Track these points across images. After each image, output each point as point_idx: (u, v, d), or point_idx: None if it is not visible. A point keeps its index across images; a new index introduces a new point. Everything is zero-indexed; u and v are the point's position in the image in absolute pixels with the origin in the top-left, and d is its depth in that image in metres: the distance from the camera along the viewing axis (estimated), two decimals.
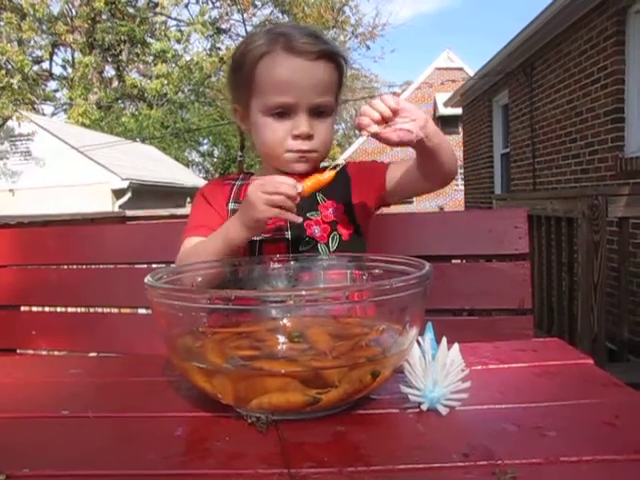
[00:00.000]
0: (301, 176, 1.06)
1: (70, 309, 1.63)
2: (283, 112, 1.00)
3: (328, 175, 0.89)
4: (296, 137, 1.01)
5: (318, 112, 1.02)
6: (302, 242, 1.03)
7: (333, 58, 1.03)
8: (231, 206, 1.06)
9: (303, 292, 0.63)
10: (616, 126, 4.62)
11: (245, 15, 17.52)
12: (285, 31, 1.01)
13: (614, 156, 4.62)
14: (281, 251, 1.01)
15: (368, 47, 18.81)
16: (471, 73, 12.78)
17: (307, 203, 1.04)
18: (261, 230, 0.91)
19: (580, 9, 4.99)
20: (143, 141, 18.22)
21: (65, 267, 1.56)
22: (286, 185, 0.83)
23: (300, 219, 0.86)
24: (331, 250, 1.03)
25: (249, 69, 1.02)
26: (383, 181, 1.08)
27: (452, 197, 19.99)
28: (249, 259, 0.95)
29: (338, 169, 0.91)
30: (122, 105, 19.91)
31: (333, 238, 1.04)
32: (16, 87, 13.95)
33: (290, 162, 1.04)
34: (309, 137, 1.01)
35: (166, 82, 17.17)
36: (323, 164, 1.16)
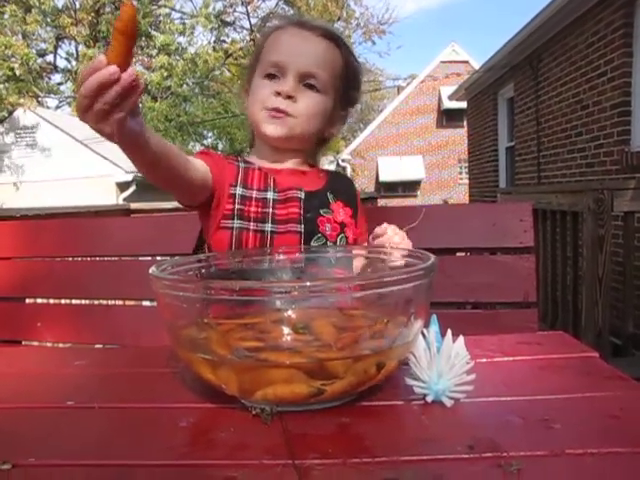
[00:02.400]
0: (305, 174, 1.08)
1: (75, 301, 1.64)
2: (275, 75, 1.02)
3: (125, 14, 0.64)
4: (277, 94, 1.01)
5: (309, 84, 1.03)
6: (314, 238, 1.03)
7: (339, 45, 1.06)
8: (239, 191, 1.01)
9: (308, 283, 0.62)
10: (622, 120, 4.59)
11: (249, 7, 17.47)
12: (290, 17, 1.07)
13: (620, 150, 4.59)
14: (292, 244, 1.00)
15: (374, 42, 18.70)
16: (476, 66, 12.71)
17: (319, 200, 1.06)
18: (116, 134, 0.69)
19: (587, 1, 4.95)
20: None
21: (70, 259, 1.57)
22: (85, 73, 0.64)
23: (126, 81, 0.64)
24: None
25: (260, 44, 1.08)
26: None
27: (456, 191, 19.98)
28: (254, 251, 0.95)
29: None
30: None
31: (341, 240, 1.05)
32: (18, 72, 13.93)
33: (263, 121, 1.03)
34: (290, 98, 1.01)
35: (167, 74, 17.11)
36: (327, 167, 1.18)
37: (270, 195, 1.02)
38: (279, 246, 0.97)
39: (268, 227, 1.00)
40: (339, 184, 1.13)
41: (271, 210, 1.01)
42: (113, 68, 0.63)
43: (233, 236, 1.00)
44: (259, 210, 1.01)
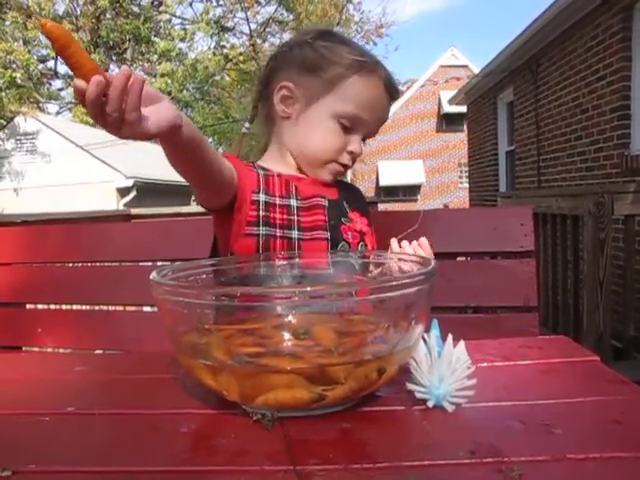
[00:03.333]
0: (325, 184, 1.10)
1: (75, 307, 1.64)
2: (349, 127, 1.05)
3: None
4: (350, 153, 1.06)
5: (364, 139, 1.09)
6: (339, 245, 1.04)
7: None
8: (262, 198, 0.99)
9: (308, 289, 0.62)
10: (622, 123, 4.60)
11: (249, 13, 17.53)
12: (379, 62, 1.07)
13: (620, 153, 4.59)
14: (320, 251, 1.01)
15: (375, 43, 18.77)
16: (476, 71, 12.74)
17: (339, 209, 1.08)
18: (146, 134, 0.70)
19: (586, 5, 4.97)
20: (148, 139, 18.18)
21: (70, 265, 1.57)
22: (80, 99, 0.64)
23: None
24: None
25: (340, 71, 1.03)
26: None
27: (456, 195, 19.98)
28: (255, 256, 0.95)
29: None
30: None
31: (361, 247, 1.07)
32: (19, 81, 13.99)
33: (329, 171, 1.07)
34: (356, 157, 1.08)
35: (170, 81, 17.17)
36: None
37: (293, 202, 1.02)
38: (308, 252, 0.98)
39: (295, 234, 1.00)
40: (352, 194, 1.16)
41: (296, 217, 1.01)
42: (95, 79, 0.62)
43: (260, 243, 0.98)
44: (284, 217, 1.00)
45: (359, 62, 1.03)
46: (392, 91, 1.07)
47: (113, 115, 0.64)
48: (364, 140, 1.09)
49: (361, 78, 1.03)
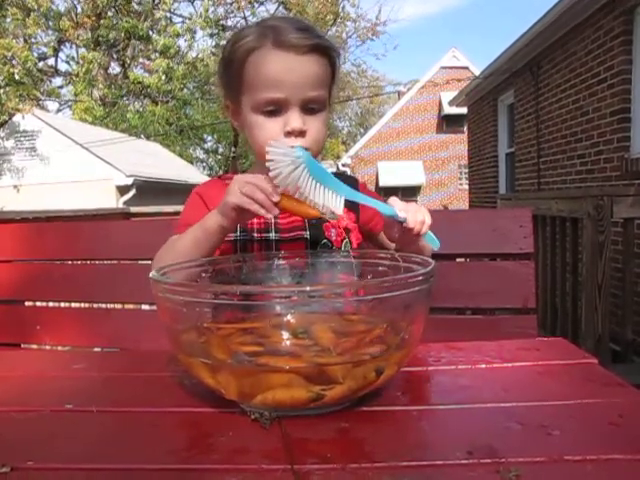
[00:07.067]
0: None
1: (74, 304, 1.64)
2: (274, 109, 0.95)
3: (313, 211, 0.82)
4: (288, 134, 0.94)
5: (310, 108, 0.97)
6: (320, 244, 1.02)
7: (325, 52, 0.99)
8: None
9: (307, 288, 0.62)
10: (622, 126, 4.60)
11: (245, 13, 17.54)
12: (275, 24, 0.96)
13: (620, 156, 4.60)
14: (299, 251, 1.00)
15: (363, 42, 18.75)
16: (477, 72, 12.73)
17: None
18: (231, 219, 0.84)
19: (587, 8, 4.97)
20: (147, 138, 18.23)
21: (69, 263, 1.57)
22: (262, 179, 0.81)
23: (270, 215, 0.81)
24: None
25: (238, 65, 0.98)
26: (377, 232, 1.08)
27: (456, 196, 20.00)
28: (254, 255, 0.95)
29: (332, 213, 0.84)
30: (127, 101, 19.91)
31: (345, 245, 1.05)
32: (18, 77, 13.99)
33: None
34: (302, 133, 0.95)
35: (164, 76, 17.16)
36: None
37: None
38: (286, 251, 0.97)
39: (272, 236, 1.01)
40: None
41: (273, 220, 1.01)
42: (274, 198, 0.80)
43: (237, 247, 1.01)
44: (261, 221, 1.01)
45: (247, 45, 0.96)
46: (290, 43, 0.93)
47: (244, 204, 0.81)
48: (312, 105, 0.96)
49: (252, 58, 0.96)
